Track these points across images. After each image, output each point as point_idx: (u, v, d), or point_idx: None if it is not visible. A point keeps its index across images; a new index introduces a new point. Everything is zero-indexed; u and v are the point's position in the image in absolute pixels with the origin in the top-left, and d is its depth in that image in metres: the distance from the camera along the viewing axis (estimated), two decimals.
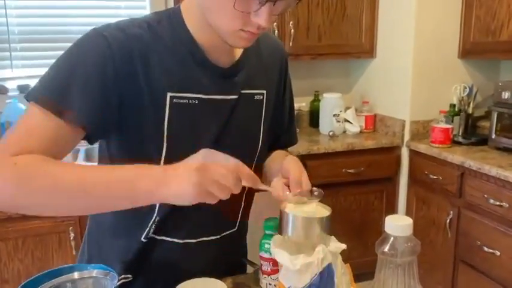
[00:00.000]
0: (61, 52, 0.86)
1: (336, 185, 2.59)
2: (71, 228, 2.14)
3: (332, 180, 2.56)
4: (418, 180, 2.59)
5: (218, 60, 0.92)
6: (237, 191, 0.74)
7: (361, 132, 2.83)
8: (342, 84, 3.12)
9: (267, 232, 0.95)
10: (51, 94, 0.80)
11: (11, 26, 2.52)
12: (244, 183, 0.76)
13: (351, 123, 2.83)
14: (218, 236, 1.01)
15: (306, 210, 0.83)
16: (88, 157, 2.48)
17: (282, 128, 1.12)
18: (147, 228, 0.95)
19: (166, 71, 0.87)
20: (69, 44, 0.86)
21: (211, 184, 0.72)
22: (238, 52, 0.96)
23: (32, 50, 2.57)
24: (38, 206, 0.77)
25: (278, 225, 0.84)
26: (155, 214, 0.93)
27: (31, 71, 2.59)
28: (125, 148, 0.91)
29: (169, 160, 0.86)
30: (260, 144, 1.01)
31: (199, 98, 0.90)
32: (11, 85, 2.58)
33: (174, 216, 0.94)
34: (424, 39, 2.55)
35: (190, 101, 0.89)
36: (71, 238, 2.15)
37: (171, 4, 2.52)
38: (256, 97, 0.98)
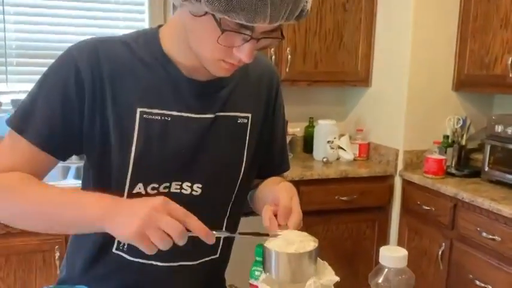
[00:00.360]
0: None
1: (328, 212, 2.56)
2: (56, 247, 2.09)
3: (324, 207, 2.54)
4: (410, 210, 2.57)
5: (196, 77, 0.90)
6: (181, 243, 0.71)
7: (354, 159, 2.83)
8: (336, 111, 3.13)
9: (258, 259, 0.92)
10: (19, 117, 0.85)
11: (8, 40, 2.52)
12: (196, 234, 0.72)
13: (344, 150, 2.83)
14: (198, 262, 0.97)
15: (292, 244, 0.77)
16: (79, 175, 2.45)
17: (273, 154, 1.08)
18: (116, 241, 0.91)
19: (138, 87, 0.86)
20: None
21: (153, 229, 0.69)
22: None
23: (28, 65, 2.57)
24: (5, 219, 0.85)
25: (263, 262, 0.79)
26: None
27: (26, 86, 2.58)
28: (94, 165, 0.90)
29: (135, 179, 0.86)
30: (242, 170, 0.96)
31: (171, 114, 0.87)
32: (5, 99, 2.56)
33: None
34: (419, 70, 2.58)
35: (162, 117, 0.87)
36: (56, 257, 2.10)
37: (170, 16, 2.54)
38: (239, 120, 0.95)
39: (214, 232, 0.74)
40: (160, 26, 0.92)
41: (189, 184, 0.91)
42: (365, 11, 2.76)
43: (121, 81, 0.86)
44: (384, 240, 2.73)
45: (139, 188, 0.88)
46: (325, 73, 2.75)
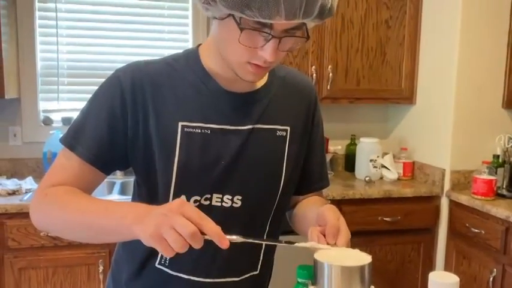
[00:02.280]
0: None
1: (371, 233, 2.49)
2: (100, 261, 2.14)
3: (367, 227, 2.47)
4: (458, 233, 2.46)
5: (234, 89, 0.94)
6: (196, 245, 0.70)
7: (398, 179, 2.75)
8: (379, 129, 3.07)
9: (300, 280, 0.90)
10: (71, 135, 0.92)
11: (60, 61, 2.65)
12: (210, 237, 0.71)
13: (388, 169, 2.76)
14: (238, 278, 0.97)
15: (344, 258, 0.75)
16: (123, 190, 2.51)
17: (312, 169, 1.08)
18: (159, 254, 0.94)
19: (179, 102, 0.91)
20: None
21: (168, 230, 0.69)
22: (259, 83, 0.97)
23: (79, 85, 2.68)
24: (53, 229, 0.92)
25: (313, 275, 0.77)
26: None
27: (76, 104, 2.69)
28: (141, 179, 0.95)
29: (178, 191, 0.90)
30: (282, 182, 0.97)
31: (211, 127, 0.91)
32: (56, 117, 2.68)
33: (190, 252, 0.91)
34: (467, 87, 2.50)
35: (202, 131, 0.91)
36: (100, 271, 2.14)
37: None
38: (278, 133, 0.97)
39: (228, 237, 0.72)
40: (200, 45, 0.98)
41: (230, 197, 0.93)
42: (409, 28, 2.72)
43: (163, 99, 0.91)
44: (429, 264, 2.62)
45: (182, 199, 0.90)
46: (367, 90, 2.71)
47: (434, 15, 2.64)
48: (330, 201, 1.09)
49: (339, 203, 2.43)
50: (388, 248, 2.55)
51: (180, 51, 0.99)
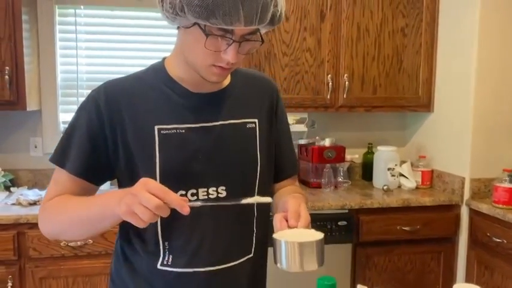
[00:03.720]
0: None
1: (389, 243, 2.47)
2: None
3: (386, 237, 2.45)
4: (479, 242, 2.42)
5: (201, 91, 1.04)
6: (163, 214, 0.81)
7: (417, 188, 2.72)
8: (397, 137, 3.04)
9: None
10: (57, 153, 1.03)
11: (80, 73, 2.71)
12: (173, 206, 0.82)
13: (406, 178, 2.73)
14: (236, 263, 1.05)
15: (299, 237, 0.83)
16: None
17: (283, 157, 1.19)
18: (160, 256, 1.02)
19: (152, 109, 1.01)
20: None
21: (137, 206, 0.80)
22: (223, 83, 1.07)
23: None
24: (59, 234, 1.04)
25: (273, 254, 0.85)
26: (160, 239, 1.02)
27: None
28: (126, 185, 1.01)
29: (163, 185, 0.94)
30: (259, 169, 1.07)
31: (185, 127, 1.01)
32: None
33: (184, 241, 1.01)
34: (485, 93, 2.46)
35: (177, 131, 1.01)
36: None
37: None
38: (248, 125, 1.08)
39: (189, 204, 0.83)
40: (165, 58, 1.10)
41: (214, 188, 1.02)
42: (425, 35, 2.70)
43: (137, 108, 1.01)
44: (450, 274, 2.57)
45: None
46: (384, 98, 2.70)
47: (451, 22, 2.62)
48: (301, 190, 1.21)
49: (357, 212, 2.41)
50: (407, 258, 2.52)
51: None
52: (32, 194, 2.33)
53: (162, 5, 0.92)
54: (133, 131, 1.00)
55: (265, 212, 1.13)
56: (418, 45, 2.71)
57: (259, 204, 1.08)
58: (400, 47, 2.68)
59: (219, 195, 1.02)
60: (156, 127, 1.00)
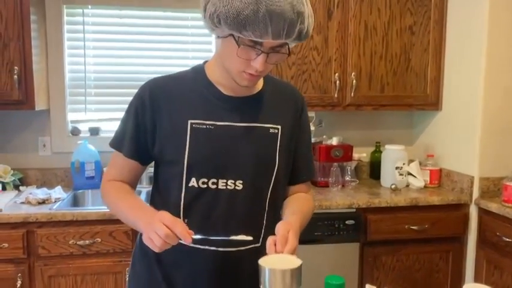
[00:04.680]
0: (130, 97, 1.23)
1: (397, 242, 2.45)
2: (127, 269, 2.17)
3: (394, 236, 2.44)
4: (488, 242, 2.40)
5: (234, 94, 1.18)
6: (171, 242, 0.98)
7: (425, 187, 2.70)
8: (404, 136, 3.03)
9: None
10: (115, 139, 1.24)
11: (88, 73, 2.72)
12: (179, 236, 0.98)
13: (414, 177, 2.72)
14: (244, 248, 1.16)
15: (281, 263, 0.94)
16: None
17: (299, 164, 1.29)
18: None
19: (188, 105, 1.16)
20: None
21: (152, 233, 0.99)
22: (254, 90, 1.21)
23: (105, 95, 2.74)
24: (113, 214, 1.26)
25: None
26: (181, 215, 1.16)
27: (102, 115, 2.75)
28: (159, 167, 1.22)
29: (189, 174, 1.14)
30: (276, 170, 1.20)
31: (214, 124, 1.15)
32: (84, 127, 2.75)
33: (201, 220, 1.15)
34: (494, 91, 2.44)
35: (207, 126, 1.15)
36: (126, 279, 2.17)
37: None
38: (271, 130, 1.20)
39: (193, 237, 0.98)
40: (206, 62, 1.24)
41: (233, 181, 1.16)
42: (434, 33, 2.68)
43: (175, 104, 1.17)
44: (459, 273, 2.55)
45: (193, 181, 1.15)
46: (392, 97, 2.68)
47: (460, 20, 2.60)
48: (309, 202, 1.31)
49: (365, 212, 2.40)
50: (415, 257, 2.50)
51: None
52: (41, 193, 2.34)
53: (205, 17, 1.06)
54: (169, 123, 1.16)
55: (274, 208, 1.24)
56: (426, 43, 2.69)
57: (271, 202, 1.21)
58: (408, 45, 2.67)
59: (236, 187, 1.16)
60: (189, 121, 1.15)
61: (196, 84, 1.19)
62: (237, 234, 1.11)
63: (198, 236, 1.01)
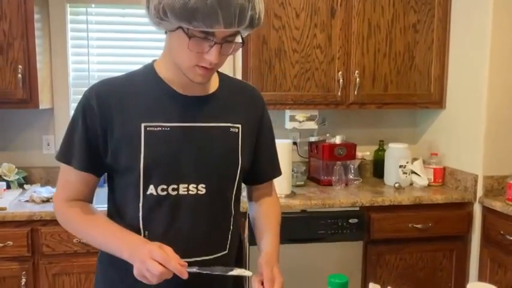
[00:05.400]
0: None
1: (401, 241, 2.45)
2: None
3: (397, 235, 2.43)
4: (492, 240, 2.39)
5: (188, 93, 1.11)
6: (166, 277, 0.95)
7: (429, 185, 2.69)
8: (408, 134, 3.02)
9: None
10: (63, 152, 1.12)
11: (91, 71, 2.73)
12: (174, 271, 0.94)
13: (418, 175, 2.71)
14: (211, 257, 1.12)
15: None
16: None
17: (262, 162, 1.25)
18: None
19: (140, 107, 1.08)
20: None
21: (145, 271, 0.94)
22: (211, 89, 1.14)
23: None
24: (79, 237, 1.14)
25: None
26: (141, 227, 1.10)
27: None
28: (114, 176, 1.13)
29: (147, 182, 1.06)
30: (239, 170, 1.15)
31: (170, 126, 1.08)
32: None
33: (162, 231, 1.09)
34: (499, 89, 2.43)
35: (163, 128, 1.07)
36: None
37: (238, 56, 2.62)
38: (231, 129, 1.14)
39: (187, 270, 0.95)
40: (155, 60, 1.16)
41: (194, 185, 1.09)
42: (437, 31, 2.67)
43: (126, 106, 1.08)
44: (462, 272, 2.55)
45: (151, 189, 1.07)
46: (395, 95, 2.68)
47: (464, 18, 2.59)
48: (277, 208, 1.30)
49: (368, 210, 2.40)
50: (419, 256, 2.50)
51: None
52: (45, 191, 2.35)
53: (148, 11, 1.00)
54: (121, 127, 1.07)
55: (238, 213, 1.21)
56: (430, 42, 2.68)
57: (235, 204, 1.18)
58: (411, 44, 2.66)
59: (199, 192, 1.09)
60: (142, 124, 1.07)
61: (148, 84, 1.11)
62: (202, 241, 1.10)
63: (193, 270, 0.98)
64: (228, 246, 1.16)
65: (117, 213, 1.14)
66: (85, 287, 2.20)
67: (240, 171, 1.15)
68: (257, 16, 0.98)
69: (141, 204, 1.08)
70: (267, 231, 1.19)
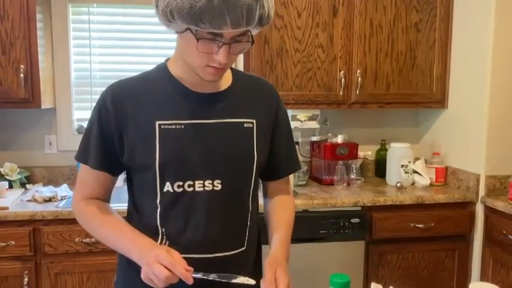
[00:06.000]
0: None
1: (403, 240, 2.45)
2: None
3: (399, 234, 2.43)
4: (495, 240, 2.39)
5: (200, 90, 1.11)
6: (172, 281, 0.96)
7: (431, 185, 2.69)
8: (410, 134, 3.02)
9: None
10: (80, 152, 1.16)
11: (93, 71, 2.73)
12: (180, 276, 0.95)
13: (420, 175, 2.71)
14: (229, 253, 1.12)
15: None
16: None
17: (280, 156, 1.24)
18: (159, 239, 1.11)
19: (154, 106, 1.10)
20: None
21: (152, 275, 0.96)
22: (223, 85, 1.15)
23: None
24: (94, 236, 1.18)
25: None
26: (158, 225, 1.12)
27: None
28: (131, 175, 1.16)
29: (163, 179, 1.08)
30: (255, 165, 1.14)
31: (184, 123, 1.09)
32: None
33: (179, 230, 1.10)
34: (501, 89, 2.43)
35: (176, 126, 1.08)
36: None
37: (240, 56, 2.61)
38: (245, 125, 1.14)
39: (193, 275, 0.96)
40: (168, 59, 1.18)
41: (210, 181, 1.10)
42: (439, 30, 2.67)
43: (140, 106, 1.10)
44: (464, 272, 2.54)
45: (167, 186, 1.09)
46: (397, 95, 2.67)
47: (466, 17, 2.58)
48: (291, 205, 1.28)
49: (370, 210, 2.40)
50: (421, 256, 2.50)
51: None
52: (47, 191, 2.36)
53: (157, 13, 1.00)
54: (136, 127, 1.09)
55: (257, 209, 1.21)
56: (432, 41, 2.67)
57: (253, 200, 1.18)
58: (413, 43, 2.65)
59: (215, 188, 1.10)
60: (157, 122, 1.08)
61: (161, 83, 1.13)
62: (219, 239, 1.10)
63: (198, 275, 0.99)
64: (245, 242, 1.16)
65: (136, 211, 1.17)
66: (87, 287, 2.20)
67: (256, 166, 1.15)
68: (266, 15, 0.97)
69: (158, 201, 1.10)
70: (276, 230, 1.18)
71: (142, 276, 0.97)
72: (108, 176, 1.15)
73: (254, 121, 1.15)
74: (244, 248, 1.15)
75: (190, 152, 1.08)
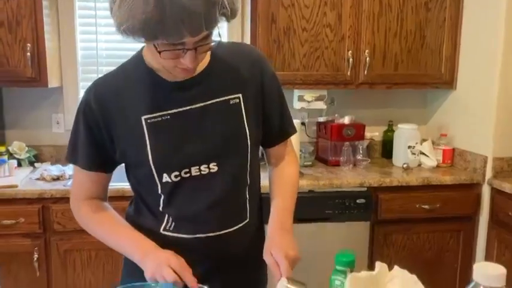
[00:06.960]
0: None
1: (408, 221, 2.46)
2: None
3: (405, 215, 2.44)
4: (500, 221, 2.39)
5: (178, 79, 1.05)
6: (177, 285, 0.96)
7: (437, 166, 2.68)
8: (418, 115, 2.99)
9: (338, 268, 0.90)
10: (69, 152, 1.15)
11: (99, 50, 2.72)
12: (186, 283, 0.97)
13: (427, 156, 2.70)
14: (234, 228, 1.13)
15: None
16: None
17: (274, 121, 1.19)
18: (164, 222, 1.12)
19: (137, 101, 1.07)
20: None
21: (159, 276, 0.97)
22: (200, 67, 1.08)
23: None
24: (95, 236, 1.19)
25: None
26: (165, 218, 1.12)
27: None
28: (128, 169, 1.15)
29: (159, 171, 1.06)
30: (249, 140, 1.11)
31: (169, 113, 1.06)
32: None
33: (183, 211, 1.11)
34: (511, 71, 2.39)
35: (163, 118, 1.06)
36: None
37: (247, 35, 2.59)
38: (231, 101, 1.10)
39: (200, 285, 0.98)
40: (143, 47, 1.11)
41: (206, 165, 1.08)
42: (450, 9, 2.62)
43: (124, 103, 1.07)
44: (469, 253, 2.55)
45: (165, 177, 1.07)
46: (406, 75, 2.64)
47: None
48: (294, 169, 1.25)
49: (376, 190, 2.40)
50: (426, 236, 2.51)
51: None
52: (55, 170, 2.38)
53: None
54: (123, 124, 1.07)
55: (257, 182, 1.21)
56: (441, 20, 2.63)
57: (251, 174, 1.16)
58: (423, 22, 2.61)
59: (211, 170, 1.09)
60: (142, 118, 1.06)
61: (140, 75, 1.08)
62: (222, 217, 1.11)
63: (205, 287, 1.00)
64: (248, 215, 1.17)
65: (140, 198, 1.17)
66: (95, 263, 2.24)
67: (250, 142, 1.12)
68: (229, 12, 0.91)
69: (160, 191, 1.10)
70: (273, 203, 1.18)
71: (148, 275, 0.99)
72: (102, 175, 1.14)
73: (240, 95, 1.11)
74: (247, 220, 1.16)
75: (181, 141, 1.07)
